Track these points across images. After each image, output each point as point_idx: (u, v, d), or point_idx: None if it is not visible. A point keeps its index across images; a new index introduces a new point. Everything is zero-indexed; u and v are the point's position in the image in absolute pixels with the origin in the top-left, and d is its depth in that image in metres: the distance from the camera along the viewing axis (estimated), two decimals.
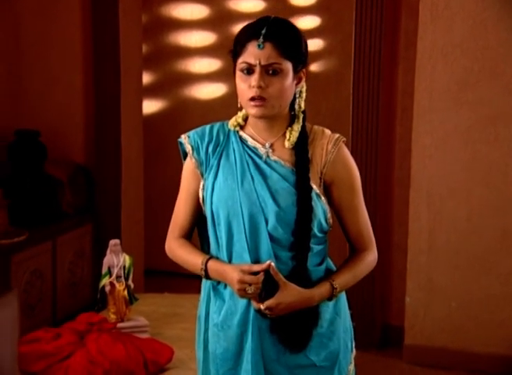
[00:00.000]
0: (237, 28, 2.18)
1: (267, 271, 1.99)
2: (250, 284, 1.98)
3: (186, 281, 3.96)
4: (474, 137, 4.09)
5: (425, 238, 4.20)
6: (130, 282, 3.05)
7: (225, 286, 2.09)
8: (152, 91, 5.70)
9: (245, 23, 2.09)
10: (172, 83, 5.74)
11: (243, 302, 2.06)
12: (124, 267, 3.04)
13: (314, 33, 5.46)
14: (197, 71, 5.69)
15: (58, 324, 4.36)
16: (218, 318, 2.10)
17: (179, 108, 5.75)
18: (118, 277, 3.03)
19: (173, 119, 5.75)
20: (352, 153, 4.58)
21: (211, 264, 2.08)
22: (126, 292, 3.01)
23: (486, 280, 4.13)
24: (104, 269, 3.03)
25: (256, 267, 2.00)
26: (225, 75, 5.60)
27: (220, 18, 5.62)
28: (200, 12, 5.66)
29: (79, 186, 4.69)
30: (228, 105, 5.25)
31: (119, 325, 2.97)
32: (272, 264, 2.00)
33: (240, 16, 5.51)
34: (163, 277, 5.18)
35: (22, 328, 4.05)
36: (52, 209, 4.52)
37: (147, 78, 5.58)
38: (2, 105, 4.69)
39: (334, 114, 5.42)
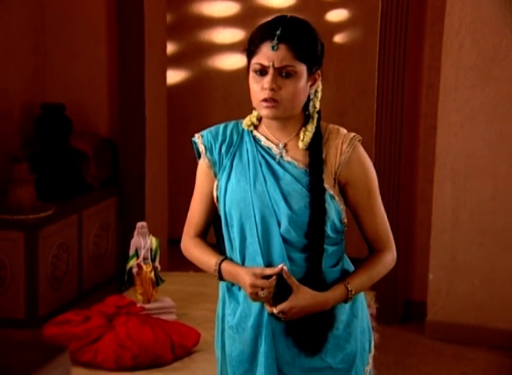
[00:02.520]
0: None
1: (280, 274, 1.96)
2: (262, 288, 1.96)
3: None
4: (500, 114, 4.06)
5: (449, 216, 4.20)
6: (157, 264, 3.08)
7: (240, 288, 2.07)
8: (175, 61, 5.68)
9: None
10: (196, 53, 5.72)
11: (256, 305, 2.04)
12: (151, 249, 3.07)
13: (338, 3, 5.41)
14: (220, 41, 5.67)
15: (84, 296, 4.44)
16: (233, 320, 2.08)
17: (203, 79, 5.73)
18: (145, 259, 3.06)
19: (196, 90, 5.74)
20: (377, 129, 4.60)
21: (225, 266, 2.05)
22: (152, 274, 3.05)
23: (509, 258, 4.14)
24: (132, 251, 3.06)
25: (268, 271, 1.97)
26: (247, 40, 5.55)
27: None
28: None
29: (103, 159, 4.72)
30: None
31: (146, 306, 3.01)
32: (285, 268, 1.97)
33: None
34: None
35: (50, 301, 4.14)
36: (77, 183, 4.55)
37: (170, 48, 5.55)
38: (28, 79, 4.70)
39: (358, 86, 5.39)
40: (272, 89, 1.95)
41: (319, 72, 2.04)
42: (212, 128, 2.12)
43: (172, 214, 5.26)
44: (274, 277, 1.96)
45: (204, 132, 2.12)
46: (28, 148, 4.48)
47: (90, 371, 2.72)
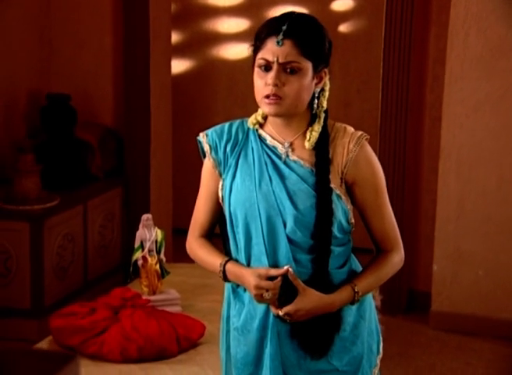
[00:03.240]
0: None
1: (285, 276, 1.93)
2: (267, 290, 1.93)
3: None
4: (505, 106, 4.06)
5: (454, 206, 4.21)
6: (162, 256, 3.09)
7: (245, 289, 2.04)
8: (180, 51, 5.67)
9: None
10: (201, 43, 5.71)
11: (262, 307, 2.01)
12: (156, 241, 3.08)
13: None
14: (225, 31, 5.65)
15: (90, 286, 4.46)
16: (238, 322, 2.06)
17: (208, 69, 5.73)
18: (150, 251, 3.07)
19: (201, 80, 5.74)
20: (381, 120, 4.59)
21: (229, 267, 2.02)
22: (158, 266, 3.06)
23: None
24: (137, 244, 3.07)
25: (273, 272, 1.95)
26: (253, 35, 5.55)
27: None
28: None
29: (108, 149, 4.73)
30: None
31: (152, 298, 3.02)
32: (290, 269, 1.95)
33: None
34: None
35: (55, 291, 4.16)
36: (82, 173, 4.56)
37: (175, 38, 5.55)
38: (34, 68, 4.70)
39: (363, 75, 5.38)
40: (275, 85, 1.92)
41: (326, 70, 2.01)
42: (217, 127, 2.09)
43: (177, 204, 5.27)
44: (279, 279, 1.93)
45: (209, 131, 2.09)
46: (34, 137, 4.48)
47: (96, 363, 2.73)
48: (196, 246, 2.12)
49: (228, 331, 2.11)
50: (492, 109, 4.07)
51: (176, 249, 4.95)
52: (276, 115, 1.98)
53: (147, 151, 4.78)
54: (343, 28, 5.40)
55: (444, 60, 4.14)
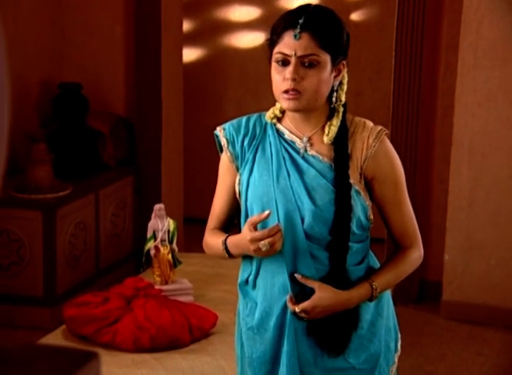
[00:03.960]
0: None
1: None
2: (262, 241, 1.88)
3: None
4: None
5: (466, 196, 4.20)
6: (175, 246, 3.10)
7: (254, 286, 2.02)
8: (191, 39, 5.67)
9: None
10: (212, 31, 5.70)
11: (279, 304, 1.98)
12: (168, 231, 3.09)
13: None
14: (236, 19, 5.64)
15: (102, 274, 4.48)
16: (252, 321, 2.03)
17: (219, 57, 5.72)
18: (162, 241, 3.08)
19: (212, 68, 5.73)
20: (393, 108, 4.57)
21: (229, 240, 2.00)
22: (170, 256, 3.07)
23: None
24: (149, 233, 3.07)
25: (255, 218, 1.91)
26: (265, 24, 5.53)
27: None
28: None
29: (120, 138, 4.74)
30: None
31: (164, 288, 3.03)
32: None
33: None
34: (201, 225, 5.26)
35: (67, 279, 4.18)
36: (94, 162, 4.58)
37: (186, 26, 5.54)
38: (46, 57, 4.71)
39: (374, 64, 5.36)
40: (294, 79, 1.88)
41: (344, 62, 1.97)
42: (234, 121, 2.06)
43: (188, 193, 5.28)
44: (275, 227, 1.88)
45: (226, 125, 2.06)
46: (46, 127, 4.50)
47: (109, 352, 2.75)
48: (208, 237, 2.10)
49: (241, 331, 2.09)
50: (504, 98, 4.05)
51: (186, 238, 4.96)
52: (296, 110, 1.95)
53: (158, 140, 4.78)
54: (355, 16, 5.38)
55: (457, 47, 4.12)
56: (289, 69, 1.89)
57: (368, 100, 5.33)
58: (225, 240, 2.01)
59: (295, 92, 1.90)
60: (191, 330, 2.79)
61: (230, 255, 2.03)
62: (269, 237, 1.88)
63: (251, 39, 5.61)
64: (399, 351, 2.11)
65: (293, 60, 1.89)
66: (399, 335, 2.13)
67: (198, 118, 5.73)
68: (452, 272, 4.28)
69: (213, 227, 2.11)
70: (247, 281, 2.05)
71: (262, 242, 1.88)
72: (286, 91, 1.91)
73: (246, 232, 1.92)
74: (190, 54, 5.66)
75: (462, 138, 4.16)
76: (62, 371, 0.72)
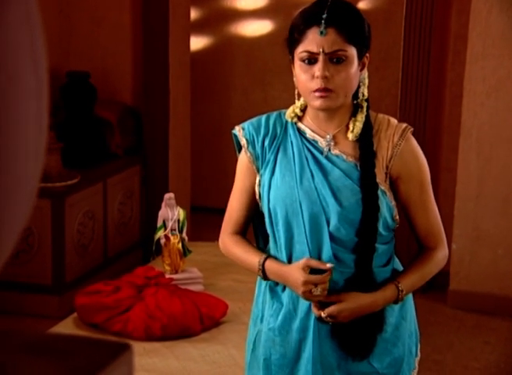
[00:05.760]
0: None
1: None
2: (315, 285, 1.84)
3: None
4: None
5: (474, 186, 4.20)
6: (184, 235, 3.11)
7: (284, 288, 1.96)
8: (199, 28, 5.66)
9: None
10: (219, 19, 5.69)
11: (303, 307, 1.93)
12: (178, 220, 3.10)
13: None
14: (243, 7, 5.63)
15: (110, 262, 4.50)
16: (275, 322, 1.97)
17: (226, 45, 5.71)
18: (172, 230, 3.09)
19: (219, 56, 5.72)
20: (401, 97, 4.56)
21: (269, 264, 1.94)
22: (180, 245, 3.08)
23: None
24: (160, 223, 3.09)
25: (314, 263, 1.85)
26: (272, 12, 5.53)
27: None
28: None
29: (127, 127, 4.74)
30: (274, 42, 5.20)
31: (174, 277, 3.05)
32: (330, 265, 1.87)
33: None
34: (208, 213, 5.28)
35: (76, 267, 4.20)
36: (102, 151, 4.58)
37: (193, 14, 5.53)
38: (54, 46, 4.70)
39: (382, 53, 5.35)
40: (324, 77, 1.82)
41: (367, 55, 1.92)
42: (254, 120, 2.00)
43: (195, 181, 5.29)
44: (328, 273, 1.84)
45: (246, 124, 1.99)
46: (54, 116, 4.50)
47: (121, 341, 2.76)
48: (230, 243, 2.03)
49: (259, 331, 2.02)
50: None
51: (193, 226, 4.98)
52: (327, 108, 1.88)
53: (165, 129, 4.79)
54: (362, 5, 5.37)
55: (466, 35, 4.10)
56: (318, 66, 1.83)
57: (375, 89, 5.31)
58: (264, 262, 1.95)
59: (327, 91, 1.84)
60: (202, 318, 2.81)
61: (266, 279, 1.98)
62: (323, 282, 1.85)
63: (258, 27, 5.60)
64: (419, 356, 2.08)
65: (320, 57, 1.83)
66: (419, 339, 2.09)
67: (205, 106, 5.73)
68: (459, 261, 4.28)
69: (232, 231, 2.05)
70: (277, 283, 1.99)
71: (316, 288, 1.85)
72: (318, 90, 1.84)
73: (298, 271, 1.86)
74: (197, 42, 5.65)
75: (470, 128, 4.16)
76: (97, 362, 0.72)
